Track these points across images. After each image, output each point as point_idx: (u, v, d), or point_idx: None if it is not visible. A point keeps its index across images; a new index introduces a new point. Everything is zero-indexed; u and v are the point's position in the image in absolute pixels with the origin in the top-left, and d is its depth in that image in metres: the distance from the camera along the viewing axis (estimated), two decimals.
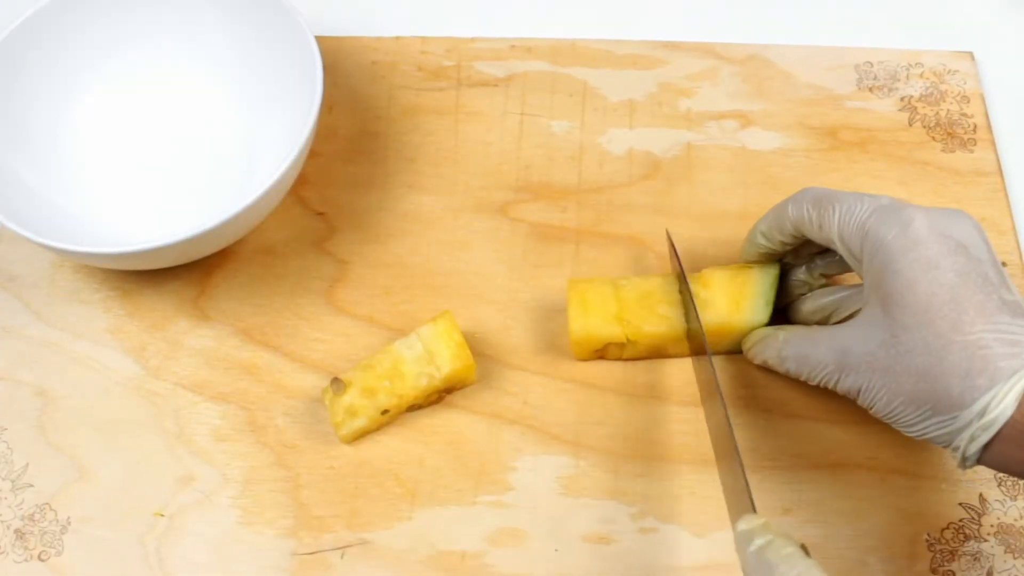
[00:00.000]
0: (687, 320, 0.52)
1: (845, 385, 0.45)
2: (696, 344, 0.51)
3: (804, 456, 0.51)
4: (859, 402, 0.45)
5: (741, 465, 0.44)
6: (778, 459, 0.51)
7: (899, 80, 0.64)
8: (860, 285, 0.49)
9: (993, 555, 0.48)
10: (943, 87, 0.63)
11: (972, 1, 0.69)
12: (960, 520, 0.49)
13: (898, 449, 0.51)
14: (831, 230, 0.46)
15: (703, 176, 0.60)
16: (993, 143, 0.61)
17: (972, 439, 0.40)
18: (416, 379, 0.51)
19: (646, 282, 0.53)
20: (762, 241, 0.51)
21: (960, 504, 0.50)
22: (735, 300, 0.52)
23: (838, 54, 0.65)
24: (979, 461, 0.41)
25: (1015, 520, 0.49)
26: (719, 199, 0.60)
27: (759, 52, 0.65)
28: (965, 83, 0.63)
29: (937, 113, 0.62)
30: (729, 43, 0.66)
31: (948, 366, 0.40)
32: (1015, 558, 0.48)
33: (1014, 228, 0.58)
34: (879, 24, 0.68)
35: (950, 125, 0.62)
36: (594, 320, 0.52)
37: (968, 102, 0.62)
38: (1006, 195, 0.59)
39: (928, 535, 0.49)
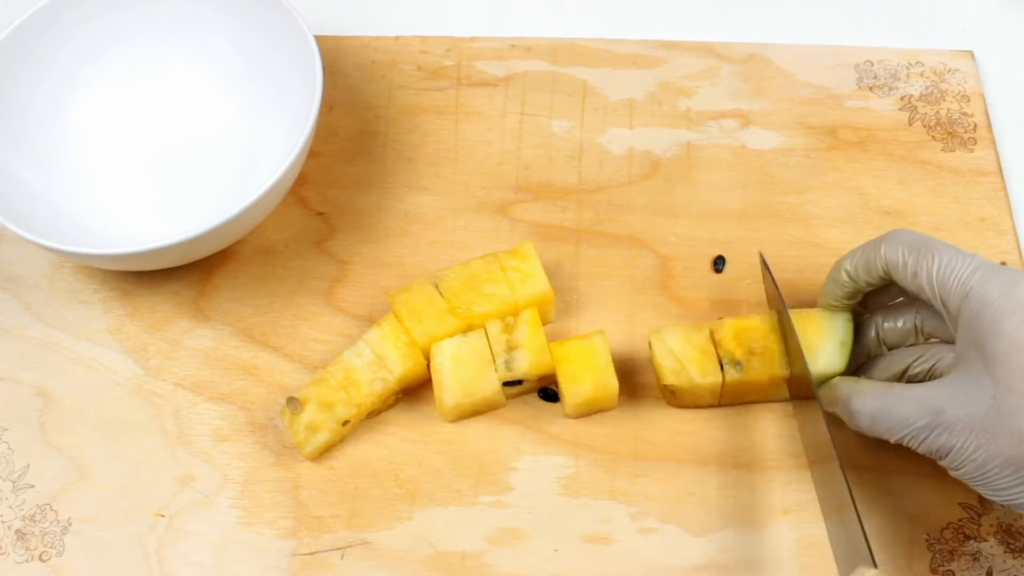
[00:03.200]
0: (789, 363, 0.50)
1: (935, 444, 0.43)
2: (799, 389, 0.50)
3: (804, 456, 0.51)
4: (946, 462, 0.43)
5: (859, 518, 0.44)
6: (779, 459, 0.51)
7: (899, 79, 0.64)
8: (943, 343, 0.48)
9: (993, 555, 0.48)
10: (943, 86, 0.63)
11: (972, 0, 0.69)
12: (960, 520, 0.49)
13: (898, 449, 0.51)
14: (928, 280, 0.45)
15: (703, 176, 0.60)
16: (993, 142, 0.61)
17: None
18: (371, 385, 0.51)
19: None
20: (846, 279, 0.49)
21: (960, 504, 0.50)
22: (809, 346, 0.50)
23: (838, 53, 0.65)
24: None
25: (1015, 520, 0.49)
26: (719, 198, 0.60)
27: (759, 51, 0.65)
28: (965, 82, 0.63)
29: (937, 112, 0.62)
30: (729, 42, 0.66)
31: None
32: (1015, 558, 0.48)
33: (1014, 227, 0.58)
34: (879, 23, 0.68)
35: (950, 124, 0.62)
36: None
37: (968, 101, 0.62)
38: (1006, 194, 0.59)
39: (928, 535, 0.49)
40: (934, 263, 0.44)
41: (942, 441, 0.43)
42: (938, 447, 0.43)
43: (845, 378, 0.49)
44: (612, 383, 0.50)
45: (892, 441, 0.45)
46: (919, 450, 0.44)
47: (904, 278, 0.46)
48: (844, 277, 0.49)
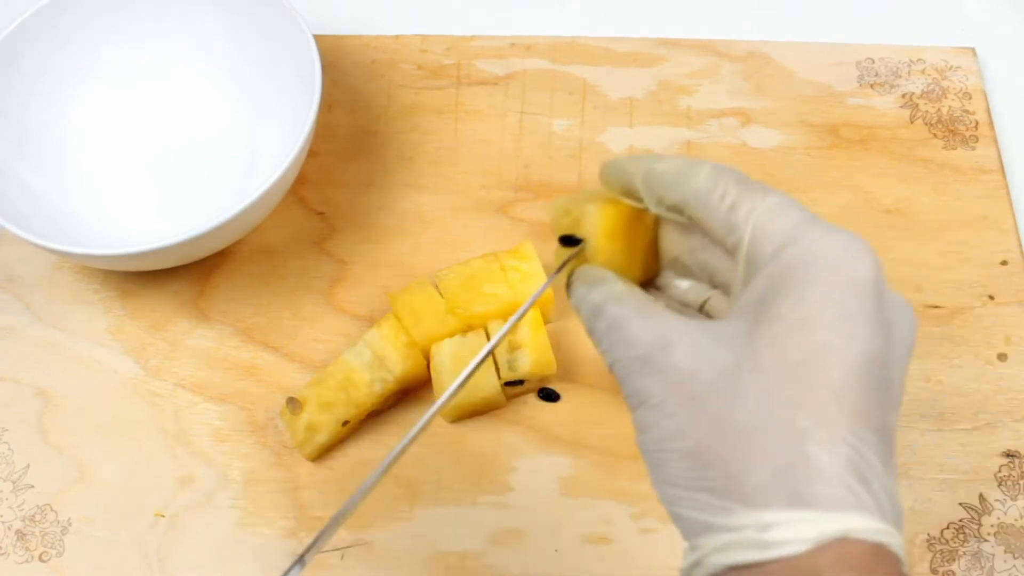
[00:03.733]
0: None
1: (635, 385, 0.31)
2: None
3: None
4: (635, 417, 0.32)
5: None
6: None
7: (900, 77, 0.63)
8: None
9: (993, 555, 0.48)
10: (945, 84, 0.63)
11: None
12: (960, 520, 0.49)
13: (899, 449, 0.51)
14: (746, 218, 0.32)
15: None
16: (995, 140, 0.61)
17: (719, 550, 0.28)
18: (370, 386, 0.51)
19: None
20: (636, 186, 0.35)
21: (960, 504, 0.49)
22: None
23: (839, 51, 0.65)
24: None
25: (1015, 520, 0.49)
26: None
27: (759, 49, 0.65)
28: (967, 80, 0.63)
29: (939, 110, 0.62)
30: (729, 40, 0.65)
31: (771, 444, 0.28)
32: (1015, 558, 0.48)
33: (1015, 225, 0.58)
34: (880, 20, 0.68)
35: (952, 122, 0.61)
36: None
37: (970, 99, 0.62)
38: (1008, 192, 0.59)
39: (928, 535, 0.49)
40: (764, 200, 0.32)
41: (643, 384, 0.31)
42: (636, 390, 0.31)
43: (598, 269, 0.36)
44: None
45: (607, 363, 0.33)
46: (623, 389, 0.32)
47: (715, 210, 0.33)
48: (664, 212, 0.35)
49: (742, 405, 0.29)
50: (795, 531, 0.26)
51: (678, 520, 0.30)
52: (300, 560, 0.36)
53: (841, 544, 0.26)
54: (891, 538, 0.27)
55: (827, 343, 0.28)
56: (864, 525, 0.27)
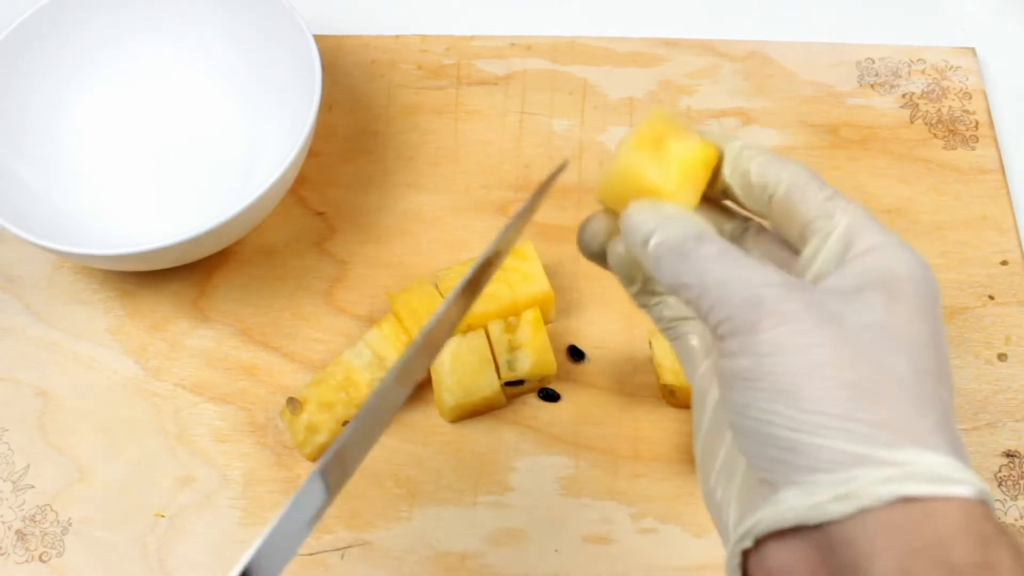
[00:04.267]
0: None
1: (774, 306, 0.29)
2: None
3: None
4: (756, 342, 0.29)
5: None
6: None
7: (901, 77, 0.63)
8: None
9: None
10: (945, 84, 0.63)
11: None
12: None
13: None
14: (844, 209, 0.32)
15: None
16: (995, 140, 0.60)
17: (886, 481, 0.27)
18: (370, 386, 0.51)
19: None
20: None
21: None
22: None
23: (839, 51, 0.65)
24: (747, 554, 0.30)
25: (1015, 520, 0.49)
26: None
27: (759, 49, 0.65)
28: (967, 80, 0.63)
29: (939, 110, 0.62)
30: (729, 40, 0.65)
31: (930, 400, 0.29)
32: None
33: (1016, 226, 0.57)
34: (880, 20, 0.68)
35: (952, 122, 0.61)
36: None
37: (970, 99, 0.62)
38: (1008, 192, 0.59)
39: None
40: (854, 202, 0.33)
41: (789, 308, 0.29)
42: (777, 311, 0.29)
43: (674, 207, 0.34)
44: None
45: (690, 295, 0.31)
46: (732, 309, 0.30)
47: (813, 196, 0.33)
48: (738, 184, 0.35)
49: (898, 358, 0.29)
50: (965, 476, 0.27)
51: (814, 451, 0.28)
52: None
53: (987, 506, 0.27)
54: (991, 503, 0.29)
55: (933, 328, 0.31)
56: (987, 494, 0.28)
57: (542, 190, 0.38)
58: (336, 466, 0.33)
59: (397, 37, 0.66)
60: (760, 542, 0.30)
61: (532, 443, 0.52)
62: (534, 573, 0.49)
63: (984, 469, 0.50)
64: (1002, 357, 0.53)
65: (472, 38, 0.66)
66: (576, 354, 0.54)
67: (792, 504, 0.28)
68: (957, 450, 0.28)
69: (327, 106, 0.63)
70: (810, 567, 0.29)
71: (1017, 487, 0.50)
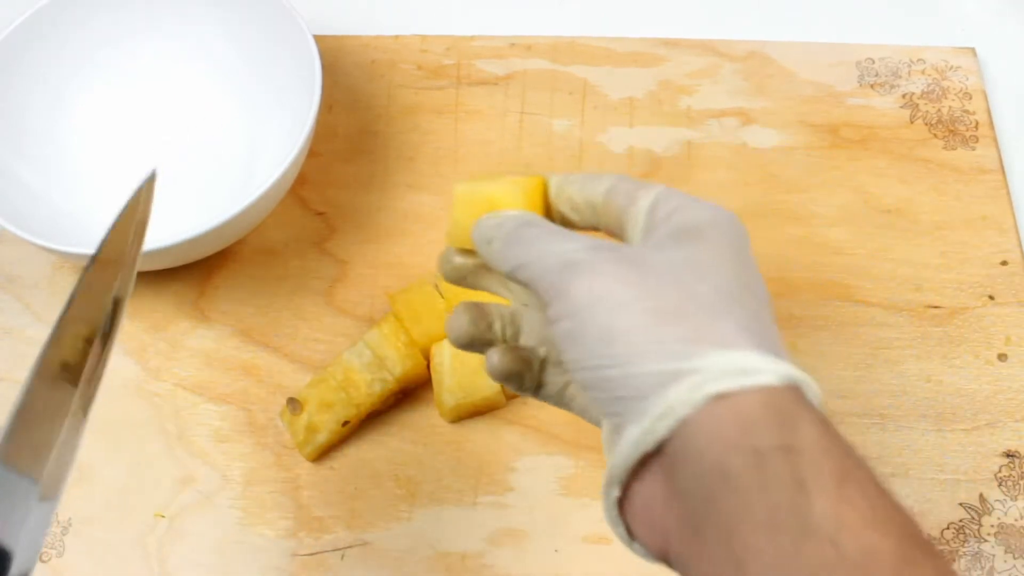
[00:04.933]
0: None
1: (587, 263, 0.32)
2: None
3: None
4: (574, 291, 0.31)
5: None
6: None
7: (901, 77, 0.63)
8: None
9: (994, 555, 0.48)
10: (945, 84, 0.63)
11: None
12: (960, 520, 0.49)
13: (898, 449, 0.51)
14: (645, 195, 0.35)
15: (704, 174, 0.60)
16: (995, 140, 0.60)
17: (695, 388, 0.28)
18: (370, 386, 0.51)
19: None
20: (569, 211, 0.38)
21: (960, 504, 0.49)
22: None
23: (839, 51, 0.65)
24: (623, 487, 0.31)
25: (1015, 520, 0.49)
26: (720, 197, 0.59)
27: (759, 49, 0.65)
28: (967, 80, 0.63)
29: (939, 110, 0.62)
30: (729, 40, 0.65)
31: (733, 308, 0.31)
32: (1015, 558, 0.48)
33: (1016, 226, 0.58)
34: (880, 20, 0.68)
35: (952, 122, 0.61)
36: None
37: (970, 99, 0.62)
38: (1008, 192, 0.59)
39: (928, 535, 0.49)
40: (656, 186, 0.35)
41: (598, 257, 0.32)
42: (588, 262, 0.32)
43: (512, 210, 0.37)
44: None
45: (525, 275, 0.34)
46: (561, 280, 0.32)
47: (620, 199, 0.35)
48: (567, 208, 0.38)
49: (700, 285, 0.31)
50: (767, 365, 0.29)
51: (635, 380, 0.30)
52: None
53: (797, 389, 0.29)
54: (818, 398, 0.30)
55: (739, 258, 0.33)
56: (807, 382, 0.29)
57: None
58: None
59: (397, 37, 0.66)
60: (627, 488, 0.31)
61: (532, 443, 0.52)
62: (534, 573, 0.49)
63: (984, 469, 0.50)
64: (1002, 357, 0.53)
65: (472, 38, 0.66)
66: None
67: (631, 438, 0.30)
68: (764, 345, 0.30)
69: (327, 106, 0.63)
70: (662, 495, 0.30)
71: (1017, 487, 0.50)
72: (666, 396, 0.29)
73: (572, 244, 0.33)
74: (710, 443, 0.28)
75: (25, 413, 0.33)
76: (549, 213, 0.38)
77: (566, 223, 0.37)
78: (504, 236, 0.35)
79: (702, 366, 0.29)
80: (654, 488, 0.31)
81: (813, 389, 0.29)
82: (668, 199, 0.34)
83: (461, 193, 0.38)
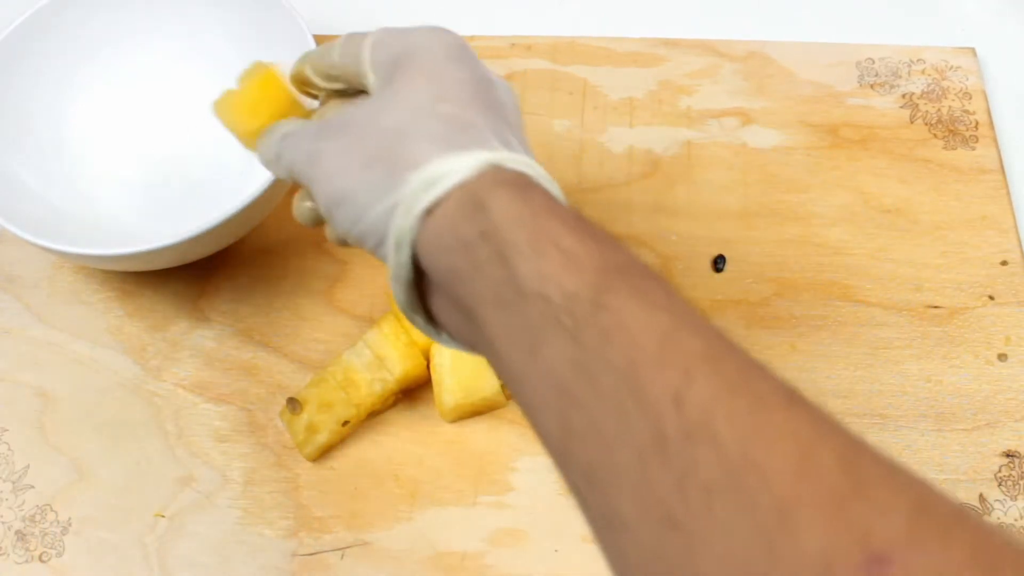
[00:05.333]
0: None
1: (311, 150, 0.36)
2: None
3: None
4: (316, 178, 0.36)
5: None
6: None
7: (900, 77, 0.63)
8: None
9: None
10: (945, 84, 0.63)
11: None
12: None
13: (898, 449, 0.51)
14: (361, 45, 0.39)
15: (703, 174, 0.60)
16: (995, 140, 0.61)
17: (407, 211, 0.32)
18: (370, 386, 0.51)
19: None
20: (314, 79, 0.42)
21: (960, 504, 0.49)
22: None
23: (839, 51, 0.65)
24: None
25: (1015, 520, 0.49)
26: (719, 197, 0.59)
27: (759, 49, 0.65)
28: (967, 80, 0.63)
29: (939, 110, 0.62)
30: (729, 40, 0.65)
31: (425, 126, 0.33)
32: None
33: (1016, 226, 0.58)
34: (880, 20, 0.68)
35: (952, 122, 0.61)
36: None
37: (970, 99, 0.62)
38: (1008, 192, 0.59)
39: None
40: (369, 36, 0.39)
41: (319, 147, 0.36)
42: (316, 153, 0.36)
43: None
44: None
45: (294, 175, 0.38)
46: (305, 174, 0.37)
47: (351, 61, 0.39)
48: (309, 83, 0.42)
49: (398, 110, 0.34)
50: (458, 163, 0.32)
51: (372, 228, 0.34)
52: None
53: (495, 171, 0.31)
54: (533, 170, 0.32)
55: (443, 69, 0.35)
56: (511, 159, 0.32)
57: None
58: None
59: None
60: (422, 297, 0.34)
61: (532, 443, 0.52)
62: (534, 573, 0.49)
63: (984, 469, 0.50)
64: (1002, 357, 0.53)
65: (472, 38, 0.66)
66: None
67: (392, 276, 0.34)
68: (466, 137, 0.33)
69: None
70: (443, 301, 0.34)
71: (1017, 487, 0.50)
72: (393, 230, 0.32)
73: (306, 136, 0.37)
74: (438, 252, 0.31)
75: None
76: (286, 92, 0.42)
77: (308, 90, 0.42)
78: (277, 148, 0.39)
79: (403, 193, 0.32)
80: (438, 299, 0.34)
81: (517, 159, 0.32)
82: (381, 42, 0.38)
83: (220, 106, 0.44)
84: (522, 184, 0.31)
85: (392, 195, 0.32)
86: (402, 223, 0.32)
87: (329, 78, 0.41)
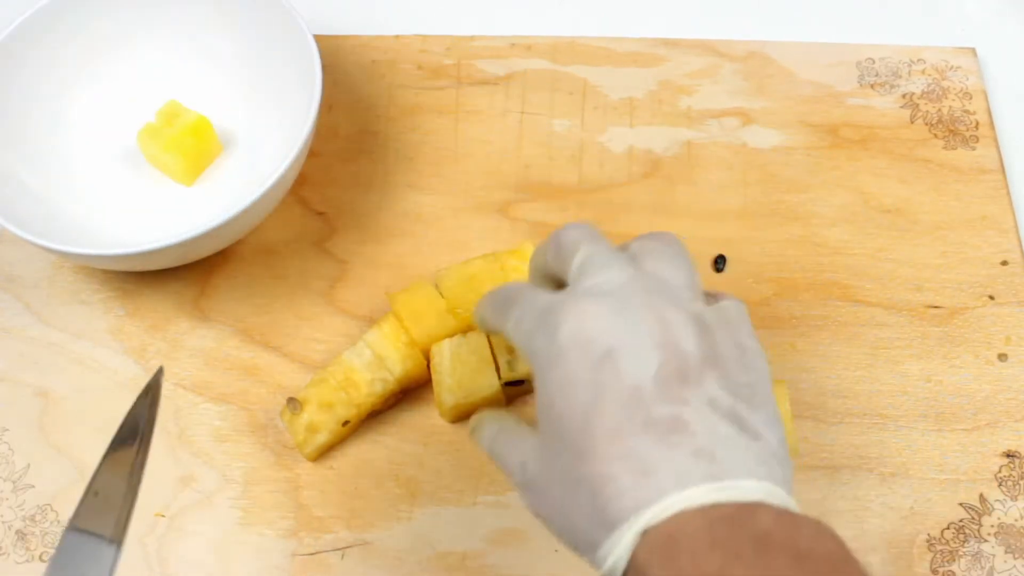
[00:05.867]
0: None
1: (530, 507, 0.37)
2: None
3: (804, 456, 0.51)
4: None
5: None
6: None
7: (901, 77, 0.63)
8: None
9: (994, 555, 0.48)
10: (945, 84, 0.63)
11: None
12: (960, 520, 0.49)
13: (898, 449, 0.51)
14: (511, 337, 0.38)
15: (704, 175, 0.60)
16: (995, 140, 0.61)
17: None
18: (370, 386, 0.51)
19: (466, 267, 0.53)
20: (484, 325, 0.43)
21: (960, 504, 0.49)
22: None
23: (839, 51, 0.65)
24: None
25: (1015, 520, 0.49)
26: (720, 197, 0.59)
27: (760, 49, 0.65)
28: (967, 80, 0.63)
29: (939, 110, 0.62)
30: (729, 40, 0.65)
31: (577, 505, 0.33)
32: (1015, 558, 0.48)
33: (1016, 226, 0.58)
34: (880, 20, 0.68)
35: (952, 122, 0.61)
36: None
37: (970, 99, 0.62)
38: (1008, 193, 0.59)
39: (928, 535, 0.49)
40: (510, 320, 0.38)
41: (529, 502, 0.37)
42: (528, 503, 0.37)
43: (486, 412, 0.43)
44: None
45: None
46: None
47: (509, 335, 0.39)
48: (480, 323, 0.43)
49: (555, 488, 0.34)
50: (616, 553, 0.32)
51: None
52: None
53: (646, 540, 0.31)
54: (690, 500, 0.31)
55: (561, 411, 0.34)
56: (657, 509, 0.31)
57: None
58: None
59: (397, 37, 0.66)
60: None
61: None
62: (534, 573, 0.49)
63: (984, 469, 0.50)
64: (1002, 357, 0.53)
65: (472, 38, 0.66)
66: None
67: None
68: (609, 517, 0.33)
69: (327, 106, 0.63)
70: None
71: (1017, 487, 0.50)
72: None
73: (513, 459, 0.39)
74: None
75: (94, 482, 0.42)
76: None
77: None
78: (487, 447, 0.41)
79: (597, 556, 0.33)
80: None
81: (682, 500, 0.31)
82: (522, 325, 0.37)
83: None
84: (670, 545, 0.30)
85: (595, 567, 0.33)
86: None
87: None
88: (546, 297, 0.37)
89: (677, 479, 0.31)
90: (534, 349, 0.36)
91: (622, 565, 0.31)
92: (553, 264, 0.39)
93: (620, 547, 0.31)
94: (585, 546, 0.33)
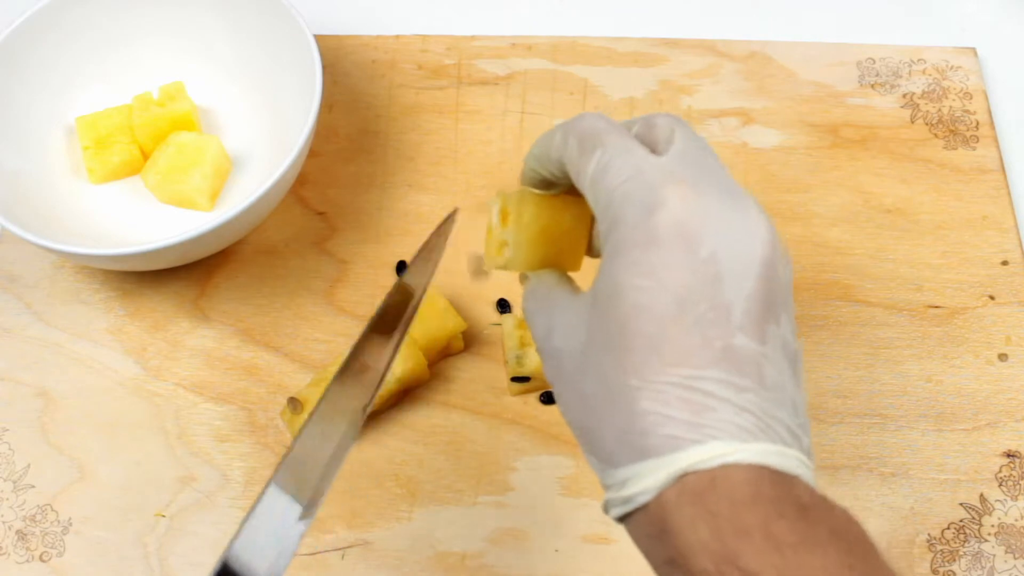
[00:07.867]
0: None
1: (546, 371, 0.34)
2: None
3: None
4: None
5: None
6: None
7: (901, 77, 0.63)
8: None
9: (994, 555, 0.48)
10: (945, 84, 0.63)
11: None
12: (961, 520, 0.49)
13: (898, 449, 0.51)
14: (585, 183, 0.33)
15: None
16: (996, 140, 0.60)
17: (609, 505, 0.31)
18: None
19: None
20: (535, 168, 0.38)
21: (961, 504, 0.49)
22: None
23: (840, 51, 0.65)
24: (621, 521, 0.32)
25: (1016, 520, 0.49)
26: None
27: (760, 49, 0.65)
28: (968, 80, 0.63)
29: (939, 110, 0.62)
30: (730, 40, 0.65)
31: (611, 413, 0.30)
32: (1016, 558, 0.48)
33: (1016, 225, 0.57)
34: (881, 20, 0.68)
35: (952, 122, 0.61)
36: None
37: (971, 99, 0.62)
38: (1008, 192, 0.59)
39: (928, 535, 0.49)
40: (592, 160, 0.33)
41: (547, 369, 0.34)
42: (548, 375, 0.34)
43: (535, 274, 0.38)
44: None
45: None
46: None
47: (574, 177, 0.34)
48: (533, 164, 0.38)
49: (590, 380, 0.31)
50: (642, 483, 0.29)
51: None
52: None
53: (681, 482, 0.28)
54: (743, 453, 0.28)
55: (631, 308, 0.30)
56: (704, 455, 0.28)
57: (437, 242, 0.42)
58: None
59: (397, 37, 0.66)
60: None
61: (532, 443, 0.52)
62: (534, 573, 0.49)
63: (984, 469, 0.50)
64: (1002, 357, 0.53)
65: (472, 38, 0.66)
66: (551, 399, 0.54)
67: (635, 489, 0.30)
68: (642, 443, 0.29)
69: (327, 106, 0.63)
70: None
71: (1017, 487, 0.50)
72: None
73: (541, 323, 0.35)
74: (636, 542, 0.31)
75: (304, 438, 0.36)
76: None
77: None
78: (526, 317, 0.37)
79: (610, 483, 0.31)
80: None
81: (719, 452, 0.29)
82: (615, 175, 0.32)
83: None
84: (709, 491, 0.28)
85: (600, 474, 0.31)
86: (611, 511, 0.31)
87: (555, 173, 0.37)
88: (642, 154, 0.32)
89: (736, 430, 0.28)
90: (618, 216, 0.31)
91: (645, 500, 0.29)
92: (569, 157, 0.34)
93: (650, 480, 0.28)
94: (600, 454, 0.30)
